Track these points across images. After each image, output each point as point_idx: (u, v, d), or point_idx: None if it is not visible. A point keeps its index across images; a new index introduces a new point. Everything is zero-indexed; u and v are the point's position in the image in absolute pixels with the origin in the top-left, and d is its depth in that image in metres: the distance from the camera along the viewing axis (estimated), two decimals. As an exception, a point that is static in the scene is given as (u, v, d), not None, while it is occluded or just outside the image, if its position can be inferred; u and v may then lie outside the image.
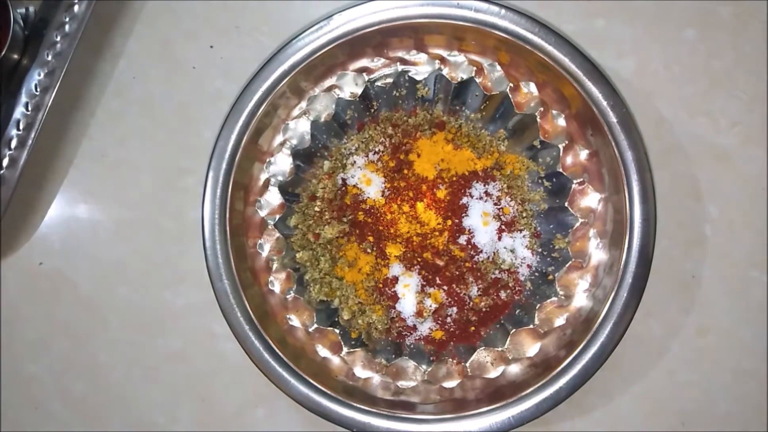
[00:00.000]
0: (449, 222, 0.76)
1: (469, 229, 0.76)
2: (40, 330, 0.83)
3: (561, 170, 0.75)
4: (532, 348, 0.75)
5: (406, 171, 0.77)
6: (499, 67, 0.76)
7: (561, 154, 0.75)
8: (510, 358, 0.75)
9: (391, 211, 0.76)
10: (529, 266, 0.77)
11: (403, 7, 0.72)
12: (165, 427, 0.82)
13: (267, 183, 0.77)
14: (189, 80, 0.83)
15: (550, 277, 0.76)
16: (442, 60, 0.76)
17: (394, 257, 0.76)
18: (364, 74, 0.77)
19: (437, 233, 0.76)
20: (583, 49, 0.71)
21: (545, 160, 0.77)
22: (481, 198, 0.77)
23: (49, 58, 0.77)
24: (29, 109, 0.77)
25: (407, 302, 0.76)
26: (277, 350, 0.72)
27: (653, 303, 0.79)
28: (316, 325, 0.76)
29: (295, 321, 0.76)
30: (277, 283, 0.77)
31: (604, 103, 0.71)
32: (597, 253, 0.75)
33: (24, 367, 0.83)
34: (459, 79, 0.76)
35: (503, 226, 0.77)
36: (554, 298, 0.75)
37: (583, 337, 0.71)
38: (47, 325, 0.83)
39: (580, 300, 0.74)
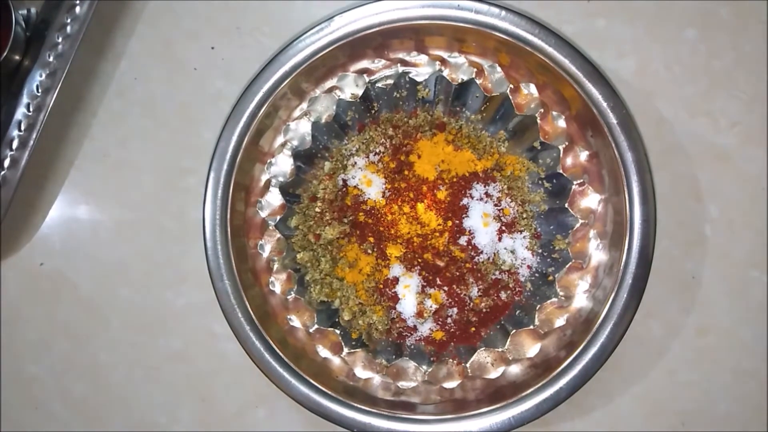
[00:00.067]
0: (450, 223, 0.76)
1: (470, 230, 0.77)
2: (40, 330, 0.83)
3: (561, 171, 0.75)
4: (532, 349, 0.75)
5: (406, 172, 0.77)
6: (499, 69, 0.76)
7: (561, 155, 0.75)
8: (510, 358, 0.75)
9: (391, 212, 0.77)
10: (529, 267, 0.78)
11: (404, 9, 0.72)
12: (166, 428, 0.83)
13: (268, 184, 0.77)
14: (190, 81, 0.83)
15: (551, 277, 0.76)
16: (443, 61, 0.76)
17: (395, 258, 0.77)
18: (365, 75, 0.77)
19: (438, 234, 0.76)
20: (583, 50, 0.71)
21: (545, 161, 0.77)
22: (481, 199, 0.77)
23: (51, 59, 0.77)
24: (31, 110, 0.77)
25: (408, 303, 0.76)
26: (278, 351, 0.72)
27: (653, 303, 0.79)
28: (316, 326, 0.76)
29: (295, 321, 0.76)
30: (277, 283, 0.77)
31: (605, 104, 0.71)
32: (597, 253, 0.75)
33: (25, 367, 0.84)
34: (459, 81, 0.76)
35: (503, 227, 0.77)
36: (554, 299, 0.75)
37: (584, 338, 0.71)
38: (48, 326, 0.83)
39: (581, 301, 0.75)
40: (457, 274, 0.77)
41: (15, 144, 0.77)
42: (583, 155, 0.75)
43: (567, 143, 0.75)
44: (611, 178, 0.72)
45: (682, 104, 0.81)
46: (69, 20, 0.77)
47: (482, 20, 0.72)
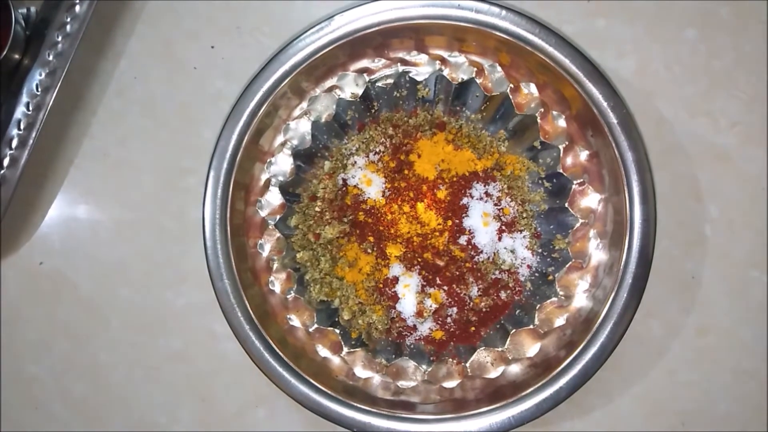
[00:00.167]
0: (449, 222, 0.76)
1: (470, 230, 0.77)
2: (40, 330, 0.83)
3: (561, 171, 0.75)
4: (532, 348, 0.75)
5: (406, 171, 0.77)
6: (499, 68, 0.76)
7: (561, 154, 0.75)
8: (510, 358, 0.75)
9: (391, 211, 0.77)
10: (529, 267, 0.78)
11: (404, 8, 0.72)
12: (166, 428, 0.83)
13: (268, 183, 0.77)
14: (190, 80, 0.83)
15: (550, 277, 0.76)
16: (443, 61, 0.76)
17: (395, 257, 0.77)
18: (365, 75, 0.77)
19: (437, 233, 0.76)
20: (583, 50, 0.72)
21: (545, 160, 0.77)
22: (481, 198, 0.77)
23: (51, 58, 0.77)
24: (30, 108, 0.77)
25: (407, 302, 0.76)
26: (278, 350, 0.72)
27: (653, 303, 0.79)
28: (316, 325, 0.76)
29: (295, 321, 0.76)
30: (277, 283, 0.77)
31: (605, 104, 0.71)
32: (597, 253, 0.75)
33: (24, 367, 0.84)
34: (459, 80, 0.76)
35: (503, 227, 0.77)
36: (554, 299, 0.75)
37: (583, 338, 0.71)
38: (48, 326, 0.83)
39: (580, 300, 0.74)
40: (457, 273, 0.77)
41: (14, 143, 0.77)
42: (584, 155, 0.75)
43: (567, 143, 0.75)
44: (611, 177, 0.72)
45: (682, 104, 0.81)
46: (68, 19, 0.77)
47: (482, 20, 0.72)
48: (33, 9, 0.79)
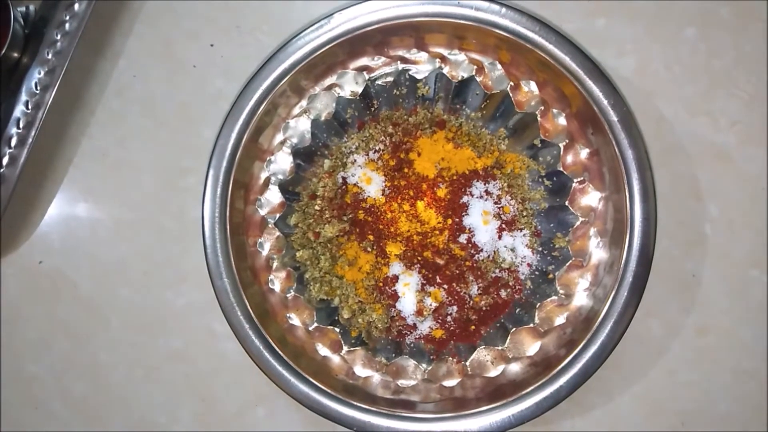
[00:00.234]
0: (449, 221, 0.76)
1: (470, 228, 0.76)
2: (40, 329, 0.83)
3: (561, 169, 0.75)
4: (532, 347, 0.75)
5: (406, 170, 0.77)
6: (499, 66, 0.76)
7: (561, 152, 0.75)
8: (510, 356, 0.75)
9: (391, 209, 0.76)
10: (529, 265, 0.77)
11: (404, 6, 0.72)
12: (166, 427, 0.82)
13: (267, 181, 0.77)
14: (189, 79, 0.83)
15: (551, 275, 0.76)
16: (443, 59, 0.76)
17: (395, 256, 0.76)
18: (365, 73, 0.77)
19: (437, 232, 0.76)
20: (583, 47, 0.72)
21: (546, 158, 0.77)
22: (481, 197, 0.77)
23: (50, 56, 0.77)
24: (29, 107, 0.77)
25: (407, 301, 0.76)
26: (278, 349, 0.72)
27: (653, 302, 0.79)
28: (316, 324, 0.76)
29: (295, 320, 0.76)
30: (277, 281, 0.77)
31: (605, 101, 0.71)
32: (597, 252, 0.75)
33: (24, 366, 0.83)
34: (459, 78, 0.76)
35: (503, 225, 0.77)
36: (554, 297, 0.75)
37: (584, 336, 0.71)
38: (48, 325, 0.83)
39: (581, 299, 0.74)
40: (457, 272, 0.77)
41: (13, 141, 0.77)
42: (584, 153, 0.75)
43: (567, 141, 0.75)
44: (612, 175, 0.72)
45: (682, 103, 0.81)
46: (67, 18, 0.77)
47: (482, 17, 0.72)
48: (32, 7, 0.79)
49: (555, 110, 0.75)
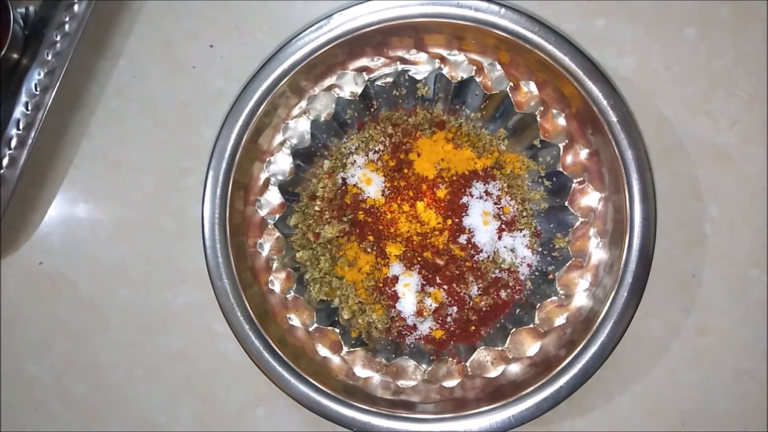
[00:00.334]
0: (449, 221, 0.76)
1: (469, 229, 0.76)
2: (40, 330, 0.83)
3: (561, 169, 0.75)
4: (532, 347, 0.75)
5: (406, 170, 0.77)
6: (499, 67, 0.76)
7: (561, 153, 0.75)
8: (510, 357, 0.75)
9: (391, 210, 0.76)
10: (529, 265, 0.77)
11: (403, 7, 0.72)
12: (166, 427, 0.82)
13: (267, 182, 0.77)
14: (189, 79, 0.83)
15: (551, 276, 0.76)
16: (442, 59, 0.76)
17: (394, 256, 0.76)
18: (364, 73, 0.77)
19: (437, 232, 0.76)
20: (583, 48, 0.71)
21: (545, 159, 0.77)
22: (481, 197, 0.77)
23: (49, 57, 0.77)
24: (29, 108, 0.77)
25: (407, 301, 0.76)
26: (277, 350, 0.72)
27: (653, 302, 0.79)
28: (316, 325, 0.76)
29: (295, 320, 0.76)
30: (277, 282, 0.77)
31: (605, 102, 0.71)
32: (597, 252, 0.74)
33: (24, 367, 0.83)
34: (459, 79, 0.76)
35: (503, 226, 0.77)
36: (554, 298, 0.75)
37: (584, 337, 0.71)
38: (48, 326, 0.83)
39: (581, 299, 0.74)
40: (457, 272, 0.77)
41: (13, 143, 0.77)
42: (583, 153, 0.75)
43: (567, 141, 0.75)
44: (611, 176, 0.72)
45: (682, 103, 0.81)
46: (67, 19, 0.77)
47: (482, 18, 0.72)
48: (32, 8, 0.79)
49: (554, 111, 0.75)
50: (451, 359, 0.77)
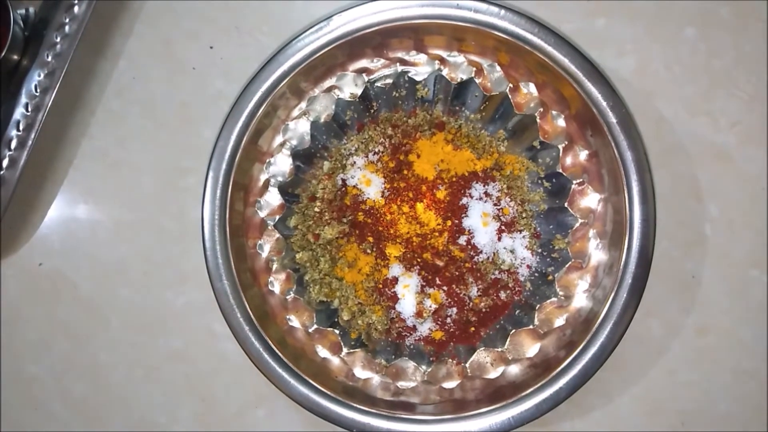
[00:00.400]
0: (449, 222, 0.76)
1: (469, 230, 0.76)
2: (40, 330, 0.83)
3: (561, 171, 0.75)
4: (531, 348, 0.75)
5: (405, 171, 0.77)
6: (498, 68, 0.76)
7: (561, 154, 0.75)
8: (510, 358, 0.75)
9: (390, 211, 0.76)
10: (528, 267, 0.77)
11: (403, 8, 0.72)
12: (166, 428, 0.83)
13: (267, 183, 0.77)
14: (189, 80, 0.83)
15: (550, 277, 0.76)
16: (442, 60, 0.76)
17: (394, 258, 0.76)
18: (364, 75, 0.77)
19: (437, 234, 0.76)
20: (582, 49, 0.71)
21: (545, 160, 0.77)
22: (480, 198, 0.77)
23: (49, 58, 0.77)
24: (29, 109, 0.77)
25: (407, 303, 0.76)
26: (277, 351, 0.72)
27: (653, 303, 0.79)
28: (315, 326, 0.76)
29: (294, 321, 0.76)
30: (276, 283, 0.77)
31: (604, 103, 0.71)
32: (597, 253, 0.74)
33: (24, 367, 0.84)
34: (459, 80, 0.76)
35: (503, 227, 0.77)
36: (554, 299, 0.75)
37: (583, 338, 0.71)
38: (48, 326, 0.83)
39: (580, 300, 0.74)
40: (457, 273, 0.77)
41: (13, 144, 0.77)
42: (583, 154, 0.75)
43: (566, 142, 0.75)
44: (611, 177, 0.72)
45: (682, 104, 0.80)
46: (67, 20, 0.77)
47: (481, 19, 0.72)
48: (32, 9, 0.79)
49: (554, 112, 0.75)
50: (450, 360, 0.77)
